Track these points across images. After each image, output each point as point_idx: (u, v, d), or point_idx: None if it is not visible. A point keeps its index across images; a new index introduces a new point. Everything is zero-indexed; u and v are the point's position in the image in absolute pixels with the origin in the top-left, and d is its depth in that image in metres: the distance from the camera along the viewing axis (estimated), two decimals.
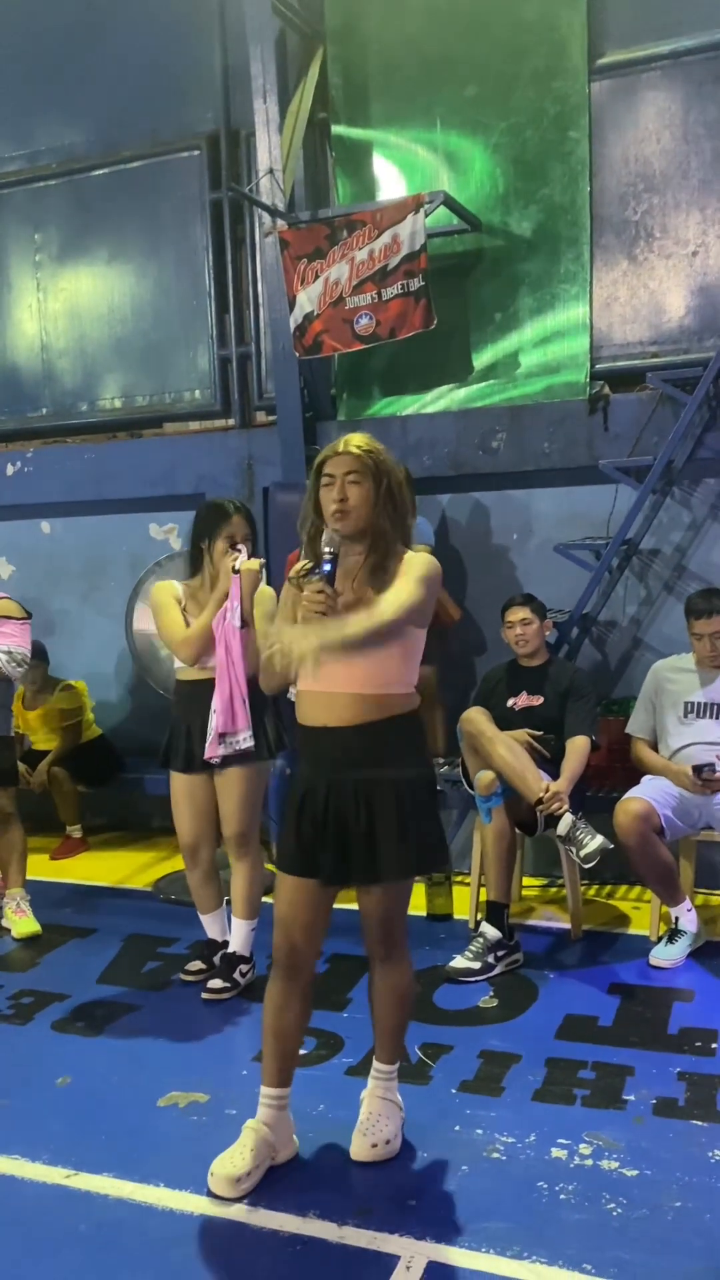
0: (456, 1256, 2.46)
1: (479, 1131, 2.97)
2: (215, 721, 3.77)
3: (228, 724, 3.77)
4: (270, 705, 4.04)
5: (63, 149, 6.38)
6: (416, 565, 2.68)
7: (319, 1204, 2.67)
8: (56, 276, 6.53)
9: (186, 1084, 3.28)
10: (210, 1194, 2.70)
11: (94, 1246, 2.55)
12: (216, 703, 3.78)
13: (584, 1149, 2.87)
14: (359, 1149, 2.85)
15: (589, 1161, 2.82)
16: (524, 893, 4.93)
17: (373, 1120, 2.91)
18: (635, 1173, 2.76)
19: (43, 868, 5.50)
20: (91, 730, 6.23)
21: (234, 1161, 2.73)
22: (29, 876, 4.82)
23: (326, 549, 2.68)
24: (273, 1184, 2.76)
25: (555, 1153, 2.86)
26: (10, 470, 6.52)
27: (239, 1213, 2.65)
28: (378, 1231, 2.55)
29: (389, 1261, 2.45)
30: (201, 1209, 2.67)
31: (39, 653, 5.76)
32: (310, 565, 2.77)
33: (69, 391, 6.59)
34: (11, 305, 6.67)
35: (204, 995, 3.90)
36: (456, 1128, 3.00)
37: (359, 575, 2.69)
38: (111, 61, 6.12)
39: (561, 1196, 2.67)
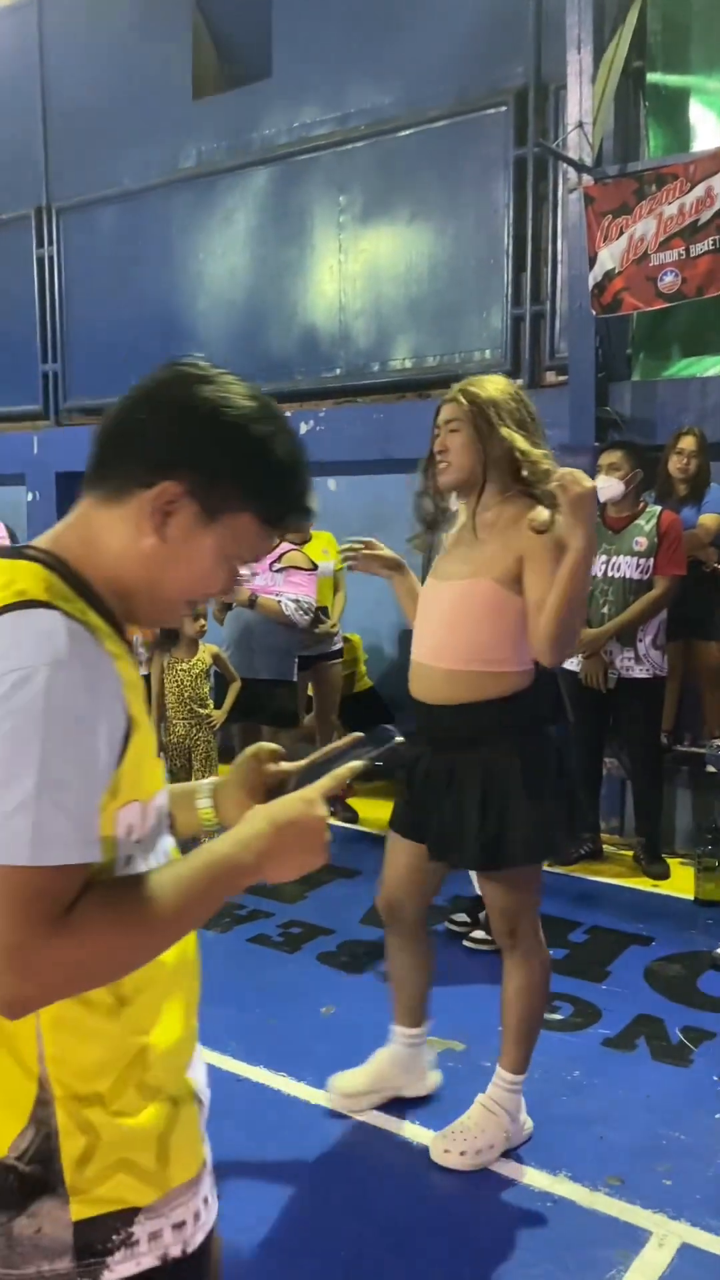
0: (711, 1243, 2.39)
1: None
2: None
3: None
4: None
5: (372, 110, 6.48)
6: (541, 542, 2.39)
7: (570, 1165, 2.67)
8: (358, 238, 6.68)
9: (443, 1031, 3.35)
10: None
11: (348, 1163, 2.69)
12: None
13: None
14: (435, 1149, 2.70)
15: None
16: None
17: (461, 1126, 2.70)
18: None
19: None
20: (363, 682, 6.43)
21: (352, 1079, 2.91)
22: None
23: None
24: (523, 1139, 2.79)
25: None
26: (304, 428, 6.77)
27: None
28: (629, 1204, 2.53)
29: (640, 1235, 2.42)
30: None
31: None
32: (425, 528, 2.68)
33: (362, 352, 6.75)
34: (314, 267, 6.89)
35: (466, 944, 3.99)
36: (717, 1116, 2.91)
37: (477, 529, 2.52)
38: (424, 21, 6.15)
39: None
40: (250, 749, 1.34)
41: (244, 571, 1.19)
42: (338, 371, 6.85)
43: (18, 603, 1.02)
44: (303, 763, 1.31)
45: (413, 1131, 2.82)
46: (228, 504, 1.13)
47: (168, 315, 7.40)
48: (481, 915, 4.13)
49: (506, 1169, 2.67)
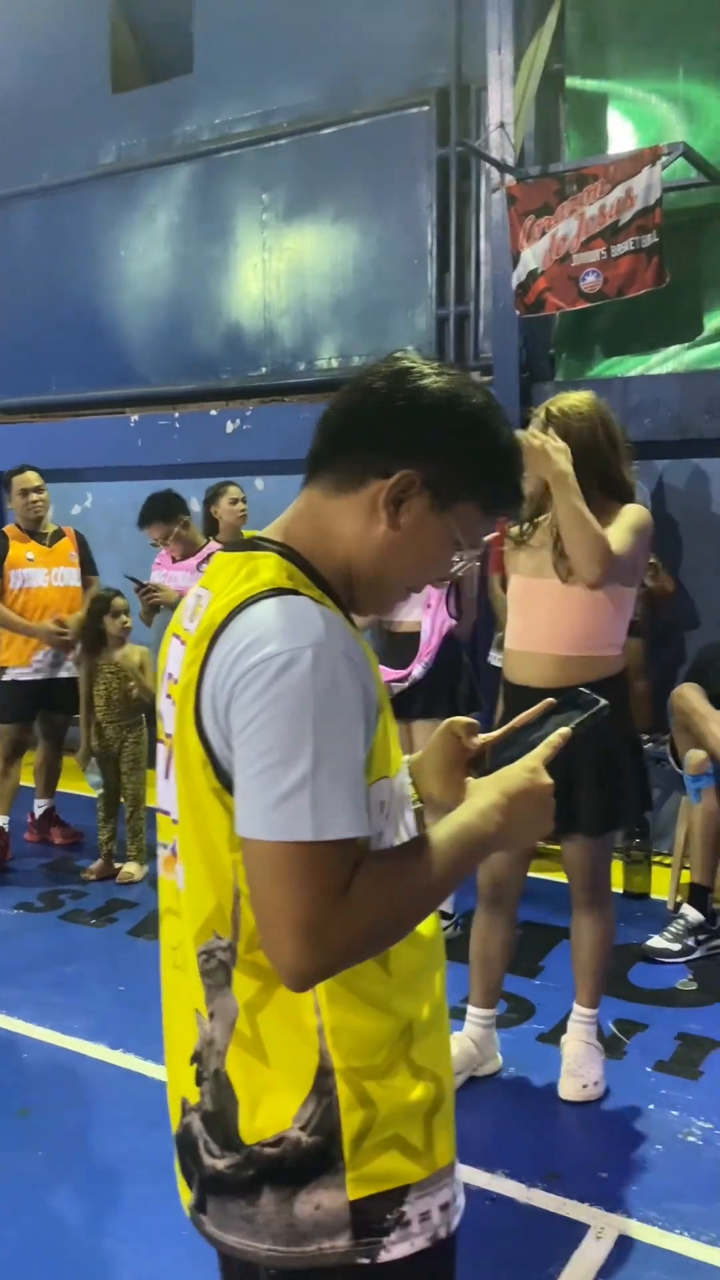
0: (648, 1234, 2.41)
1: (674, 1113, 2.90)
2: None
3: None
4: (467, 664, 4.11)
5: (295, 108, 6.45)
6: (629, 514, 2.74)
7: (508, 1163, 2.67)
8: (282, 236, 6.64)
9: None
10: None
11: None
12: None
13: None
14: (569, 1089, 2.95)
15: None
16: None
17: (579, 1062, 2.99)
18: None
19: None
20: None
21: None
22: None
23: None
24: (462, 1137, 2.77)
25: None
26: (230, 428, 6.71)
27: None
28: (567, 1198, 2.54)
29: (578, 1229, 2.43)
30: None
31: None
32: (525, 526, 2.90)
33: (288, 351, 6.71)
34: (238, 265, 6.83)
35: None
36: (651, 1106, 2.94)
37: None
38: (347, 18, 6.13)
39: None
40: (445, 723, 1.35)
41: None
42: (263, 370, 6.81)
43: (269, 591, 1.07)
44: (499, 733, 1.34)
45: None
46: (458, 492, 1.16)
47: (89, 314, 7.28)
48: None
49: None
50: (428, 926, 1.19)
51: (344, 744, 1.03)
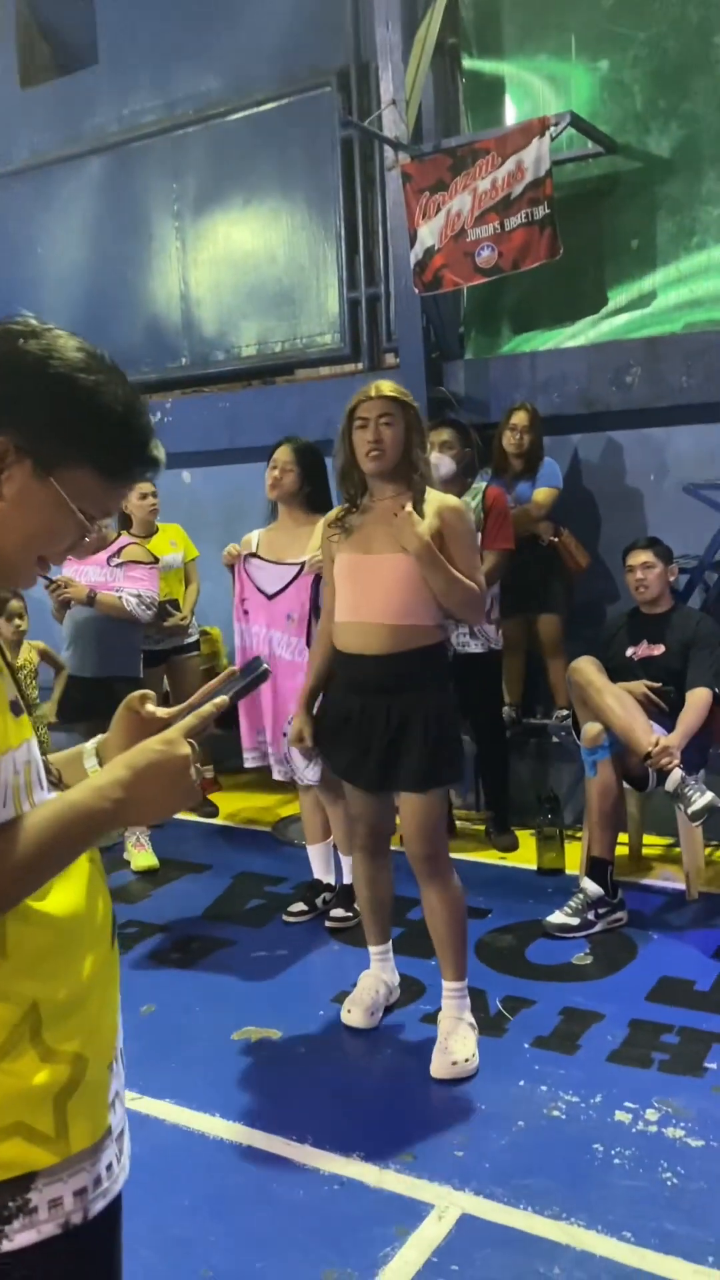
0: (491, 1211, 2.39)
1: (543, 1088, 2.88)
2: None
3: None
4: None
5: (199, 95, 6.38)
6: (456, 525, 2.92)
7: (366, 1146, 2.65)
8: (195, 225, 6.58)
9: (263, 1020, 3.32)
10: (346, 1026, 3.23)
11: (143, 1167, 2.61)
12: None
13: (650, 1114, 2.74)
14: (439, 1067, 2.96)
15: (653, 1127, 2.68)
16: (645, 851, 4.73)
17: (449, 1039, 3.02)
18: (701, 1143, 2.61)
19: None
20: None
21: (363, 999, 3.24)
22: None
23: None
24: (322, 1121, 2.76)
25: (619, 1115, 2.74)
26: (154, 420, 6.66)
27: (284, 1147, 2.67)
28: (417, 1179, 2.52)
29: (422, 1209, 2.41)
30: (250, 1140, 2.71)
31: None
32: (345, 509, 3.03)
33: (207, 341, 6.66)
34: (153, 256, 6.77)
35: (327, 924, 4.02)
36: (521, 1083, 2.92)
37: (401, 513, 2.87)
38: (245, 2, 6.07)
39: (616, 1161, 2.56)
40: (124, 700, 1.31)
41: (106, 523, 1.17)
42: (183, 361, 6.76)
43: None
44: (180, 707, 1.29)
45: (209, 1124, 2.77)
46: (62, 457, 1.11)
47: (5, 311, 7.20)
48: (319, 900, 4.12)
49: (297, 1153, 2.64)
50: (61, 906, 1.16)
51: None
